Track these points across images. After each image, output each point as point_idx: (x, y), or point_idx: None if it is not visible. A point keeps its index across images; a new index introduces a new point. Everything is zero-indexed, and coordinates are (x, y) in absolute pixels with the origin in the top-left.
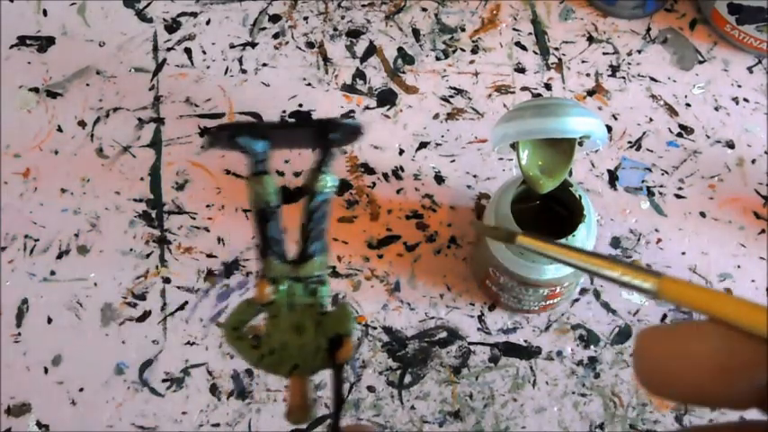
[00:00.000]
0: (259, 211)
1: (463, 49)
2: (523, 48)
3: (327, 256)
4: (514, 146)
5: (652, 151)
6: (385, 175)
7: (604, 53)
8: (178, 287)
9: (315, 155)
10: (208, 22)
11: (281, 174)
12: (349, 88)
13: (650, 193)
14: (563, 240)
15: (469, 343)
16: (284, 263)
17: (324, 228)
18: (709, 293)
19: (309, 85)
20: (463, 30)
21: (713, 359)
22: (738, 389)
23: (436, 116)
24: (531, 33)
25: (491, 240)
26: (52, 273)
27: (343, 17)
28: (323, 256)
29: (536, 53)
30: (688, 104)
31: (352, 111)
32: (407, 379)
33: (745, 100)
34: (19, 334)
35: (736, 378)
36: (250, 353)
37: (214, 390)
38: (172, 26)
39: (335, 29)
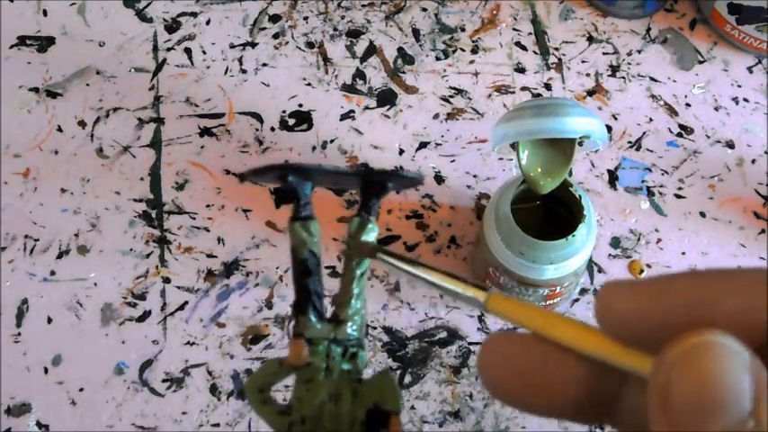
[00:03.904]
0: (303, 261)
1: (463, 49)
2: (523, 48)
3: (365, 317)
4: (514, 146)
5: (652, 151)
6: None
7: (604, 53)
8: (178, 287)
9: (359, 198)
10: (208, 22)
11: None
12: (349, 88)
13: (650, 193)
14: (563, 240)
15: (469, 343)
16: (322, 321)
17: (364, 284)
18: (532, 311)
19: (309, 85)
20: (463, 30)
21: (531, 373)
22: (556, 401)
23: (436, 116)
24: (531, 33)
25: (491, 240)
26: (52, 273)
27: (343, 17)
28: (362, 317)
29: (536, 53)
30: (688, 104)
31: (352, 111)
32: (407, 379)
33: (745, 100)
34: (19, 334)
35: (553, 392)
36: (277, 419)
37: (214, 390)
38: (172, 26)
39: (335, 29)
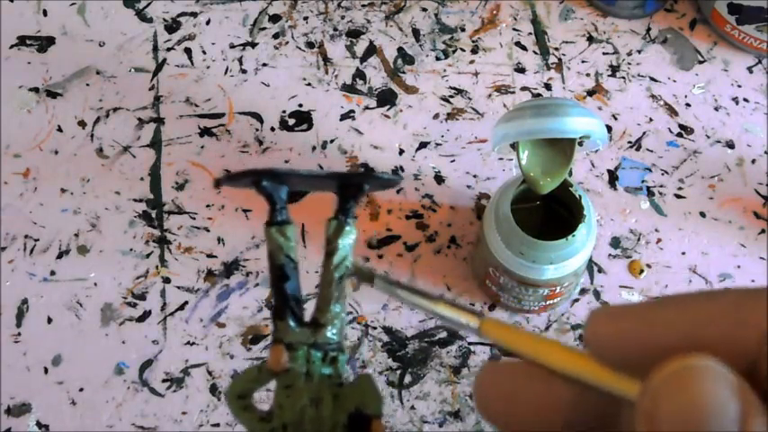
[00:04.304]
0: (280, 266)
1: (463, 49)
2: (523, 48)
3: (345, 320)
4: (514, 146)
5: (652, 151)
6: None
7: (604, 53)
8: (178, 287)
9: (336, 202)
10: (208, 22)
11: None
12: (349, 88)
13: (650, 193)
14: (563, 240)
15: (469, 343)
16: (301, 326)
17: (344, 287)
18: (525, 337)
19: (309, 85)
20: (463, 30)
21: (525, 401)
22: (549, 426)
23: (436, 116)
24: (531, 33)
25: (491, 240)
26: (52, 273)
27: (343, 17)
28: (342, 321)
29: (536, 53)
30: (688, 104)
31: (352, 111)
32: (407, 379)
33: (745, 100)
34: (19, 334)
35: (545, 417)
36: (259, 426)
37: (214, 390)
38: (172, 26)
39: (335, 29)
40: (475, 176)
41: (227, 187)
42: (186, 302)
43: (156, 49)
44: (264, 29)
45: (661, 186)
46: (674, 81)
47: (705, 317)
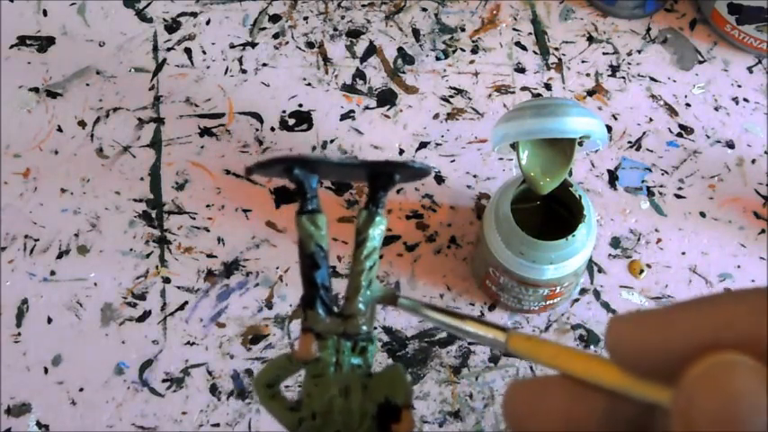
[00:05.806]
0: (310, 254)
1: (463, 49)
2: (523, 48)
3: (376, 311)
4: (514, 146)
5: (652, 151)
6: None
7: (604, 53)
8: (178, 287)
9: (367, 191)
10: (208, 22)
11: None
12: (349, 88)
13: (650, 193)
14: (563, 240)
15: (469, 343)
16: (331, 315)
17: (374, 277)
18: (552, 348)
19: (309, 85)
20: (463, 30)
21: (558, 415)
22: None
23: (436, 116)
24: (531, 33)
25: (491, 240)
26: (52, 273)
27: (343, 17)
28: (372, 310)
29: (536, 53)
30: (688, 104)
31: (352, 111)
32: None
33: (745, 100)
34: (19, 334)
35: (580, 428)
36: (287, 415)
37: (214, 390)
38: (172, 26)
39: (335, 29)
40: (475, 176)
41: (258, 175)
42: (186, 302)
43: (156, 49)
44: (264, 29)
45: (661, 186)
46: (674, 81)
47: (726, 318)
